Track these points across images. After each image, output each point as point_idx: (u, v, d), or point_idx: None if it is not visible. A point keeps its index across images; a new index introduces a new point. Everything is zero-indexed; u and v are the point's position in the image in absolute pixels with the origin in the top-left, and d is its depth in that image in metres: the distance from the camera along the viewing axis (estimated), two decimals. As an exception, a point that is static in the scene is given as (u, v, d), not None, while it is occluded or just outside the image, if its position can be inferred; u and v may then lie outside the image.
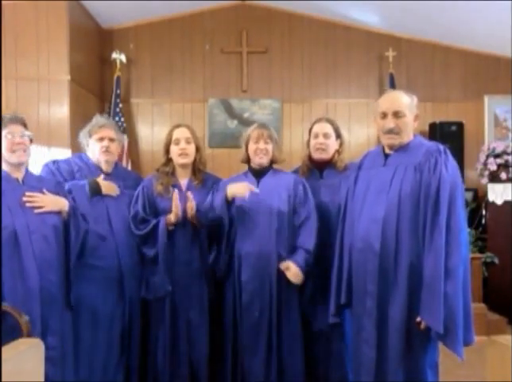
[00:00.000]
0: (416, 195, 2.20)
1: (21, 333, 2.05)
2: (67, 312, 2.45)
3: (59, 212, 2.44)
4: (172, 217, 2.77)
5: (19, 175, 2.40)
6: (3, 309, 2.09)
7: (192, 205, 2.76)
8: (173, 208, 2.76)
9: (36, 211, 2.35)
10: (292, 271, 2.69)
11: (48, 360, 2.23)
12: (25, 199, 2.34)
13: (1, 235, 2.23)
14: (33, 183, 2.44)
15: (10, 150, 2.35)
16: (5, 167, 2.38)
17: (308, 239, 2.75)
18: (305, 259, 2.71)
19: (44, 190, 2.43)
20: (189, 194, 2.77)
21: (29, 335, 2.07)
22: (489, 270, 4.77)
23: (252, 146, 2.85)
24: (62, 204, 2.45)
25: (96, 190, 2.73)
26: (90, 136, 2.85)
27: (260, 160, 2.85)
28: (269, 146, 2.86)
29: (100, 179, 2.77)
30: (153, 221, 2.80)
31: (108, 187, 2.78)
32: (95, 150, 2.84)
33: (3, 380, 1.54)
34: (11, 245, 2.26)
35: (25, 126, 2.43)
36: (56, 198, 2.45)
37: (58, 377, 2.32)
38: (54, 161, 2.89)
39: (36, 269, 2.27)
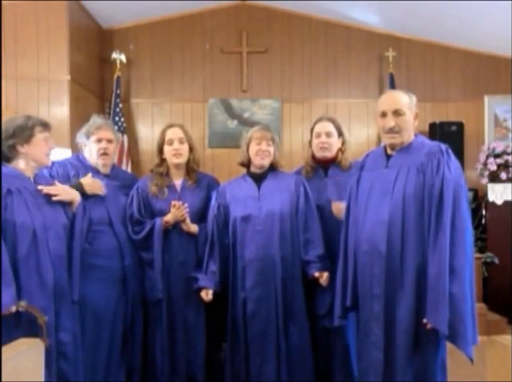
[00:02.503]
0: (420, 196, 2.19)
1: (33, 331, 2.06)
2: (74, 307, 2.46)
3: (67, 207, 2.46)
4: (169, 217, 2.77)
5: (31, 175, 2.43)
6: (24, 308, 2.10)
7: (184, 215, 2.77)
8: (172, 211, 2.76)
9: (54, 198, 2.39)
10: (325, 277, 2.72)
11: (60, 355, 2.26)
12: (40, 187, 2.38)
13: (1, 232, 2.23)
14: (43, 181, 2.48)
15: (46, 153, 2.43)
16: (22, 166, 2.39)
17: (318, 248, 2.77)
18: (324, 263, 2.75)
19: (56, 182, 2.48)
20: (184, 207, 2.77)
21: (47, 334, 2.08)
22: (489, 270, 4.76)
23: (254, 147, 2.83)
24: (74, 194, 2.49)
25: (80, 191, 2.71)
26: (87, 137, 2.84)
27: (261, 161, 2.82)
28: (271, 149, 2.83)
29: (85, 178, 2.74)
30: (149, 224, 2.80)
31: (93, 186, 2.74)
32: (92, 152, 2.82)
33: (3, 380, 1.54)
34: (30, 242, 2.27)
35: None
36: (69, 189, 2.50)
37: (71, 373, 2.33)
38: (52, 163, 2.86)
39: (51, 266, 2.29)
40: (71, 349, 2.34)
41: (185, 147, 2.89)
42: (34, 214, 2.30)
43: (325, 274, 2.71)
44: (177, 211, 2.76)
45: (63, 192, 2.44)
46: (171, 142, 2.87)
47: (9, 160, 2.39)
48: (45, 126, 2.43)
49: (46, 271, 2.27)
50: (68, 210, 2.47)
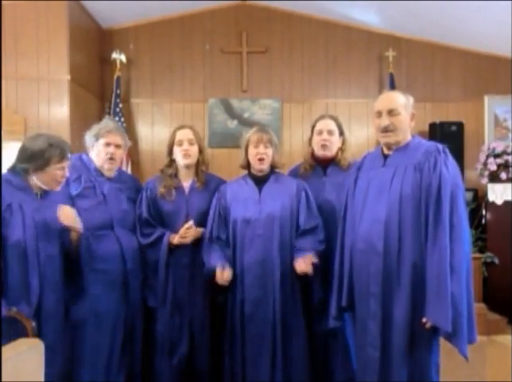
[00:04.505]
0: (417, 195, 2.20)
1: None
2: (62, 329, 2.45)
3: (66, 232, 2.45)
4: (175, 241, 2.78)
5: (38, 190, 2.40)
6: (12, 314, 2.10)
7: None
8: (181, 234, 2.77)
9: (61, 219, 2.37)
10: (308, 261, 2.64)
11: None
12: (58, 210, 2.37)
13: (1, 242, 2.23)
14: (51, 197, 2.44)
15: (58, 181, 2.39)
16: (30, 182, 2.37)
17: (317, 240, 2.75)
18: (314, 244, 2.70)
19: (65, 206, 2.43)
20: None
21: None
22: (489, 270, 4.77)
23: (252, 151, 2.81)
24: (76, 225, 2.44)
25: None
26: (96, 139, 2.81)
27: (260, 166, 2.81)
28: (269, 151, 2.81)
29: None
30: (157, 232, 2.80)
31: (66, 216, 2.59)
32: (99, 154, 2.80)
33: (3, 380, 1.54)
34: (20, 260, 2.26)
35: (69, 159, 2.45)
36: (73, 216, 2.43)
37: None
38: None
39: (38, 287, 2.28)
40: (55, 371, 2.32)
41: (194, 148, 2.89)
42: (28, 233, 2.28)
43: (308, 258, 2.65)
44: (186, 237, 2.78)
45: (65, 217, 2.40)
46: (180, 143, 2.87)
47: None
48: (64, 156, 2.37)
49: (32, 292, 2.27)
50: (66, 234, 2.45)
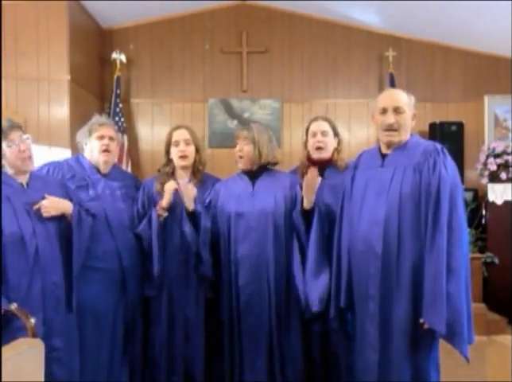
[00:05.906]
0: (417, 195, 2.19)
1: (26, 335, 2.05)
2: (71, 313, 2.45)
3: (62, 215, 2.43)
4: (163, 202, 2.75)
5: (23, 179, 2.39)
6: (11, 311, 2.10)
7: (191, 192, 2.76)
8: (165, 195, 2.75)
9: (45, 215, 2.34)
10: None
11: (54, 361, 2.24)
12: (34, 207, 2.33)
13: (1, 238, 2.23)
14: (38, 186, 2.43)
15: (17, 158, 2.34)
16: (9, 171, 2.37)
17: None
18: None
19: (46, 195, 2.39)
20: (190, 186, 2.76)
21: (35, 337, 2.07)
22: (489, 270, 4.77)
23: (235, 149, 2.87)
24: (65, 207, 2.42)
25: None
26: (89, 134, 2.82)
27: (238, 164, 2.85)
28: (247, 148, 2.80)
29: None
30: (147, 216, 2.80)
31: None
32: (94, 149, 2.80)
33: (3, 380, 1.54)
34: (18, 249, 2.26)
35: (21, 129, 2.40)
36: (58, 202, 2.40)
37: (66, 378, 2.32)
38: (47, 165, 2.82)
39: (39, 272, 2.28)
40: (65, 354, 2.32)
41: (191, 149, 2.91)
42: (23, 221, 2.28)
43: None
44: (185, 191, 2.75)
45: (51, 208, 2.36)
46: (177, 144, 2.89)
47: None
48: (5, 131, 2.30)
49: (34, 278, 2.26)
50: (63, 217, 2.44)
